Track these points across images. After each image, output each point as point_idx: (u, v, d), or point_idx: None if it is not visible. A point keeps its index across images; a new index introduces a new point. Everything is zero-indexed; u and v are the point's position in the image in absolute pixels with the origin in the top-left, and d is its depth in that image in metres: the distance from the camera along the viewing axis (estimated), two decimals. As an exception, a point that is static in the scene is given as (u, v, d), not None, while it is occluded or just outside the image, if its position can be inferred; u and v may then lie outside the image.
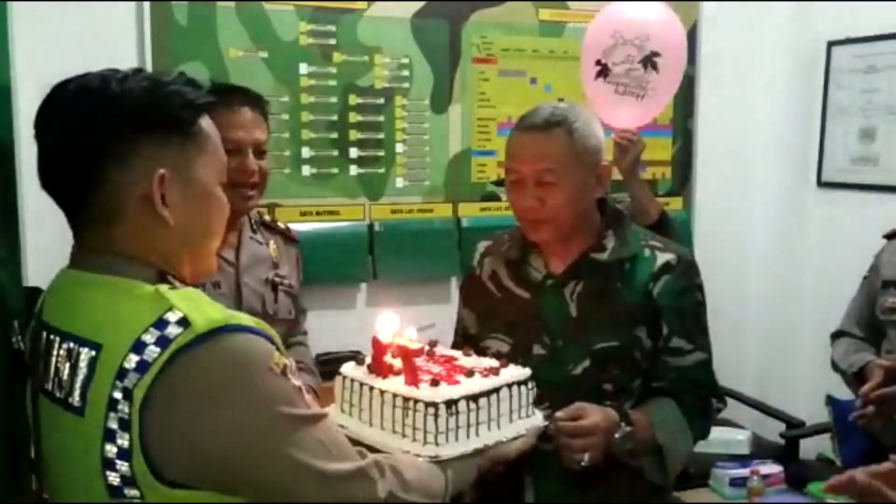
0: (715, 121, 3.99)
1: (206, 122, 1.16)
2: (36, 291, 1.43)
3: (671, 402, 1.78)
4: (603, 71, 2.50)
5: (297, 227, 3.24)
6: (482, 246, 1.96)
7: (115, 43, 3.02)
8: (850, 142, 3.87)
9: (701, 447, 3.38)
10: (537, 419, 1.51)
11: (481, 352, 1.76)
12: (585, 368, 1.72)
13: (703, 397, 1.83)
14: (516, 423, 1.45)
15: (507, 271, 1.85)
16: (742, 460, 3.13)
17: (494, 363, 1.50)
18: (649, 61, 2.45)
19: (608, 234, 1.78)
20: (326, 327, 2.98)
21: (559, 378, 1.70)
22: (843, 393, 2.86)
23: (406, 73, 3.45)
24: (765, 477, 2.85)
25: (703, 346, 1.81)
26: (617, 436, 1.64)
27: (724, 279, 4.04)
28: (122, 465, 1.02)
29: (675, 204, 3.97)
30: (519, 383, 1.46)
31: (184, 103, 1.12)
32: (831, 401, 3.14)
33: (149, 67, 3.08)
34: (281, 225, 2.27)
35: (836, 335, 2.50)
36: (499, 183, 3.02)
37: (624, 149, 2.53)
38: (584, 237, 1.78)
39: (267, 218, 2.24)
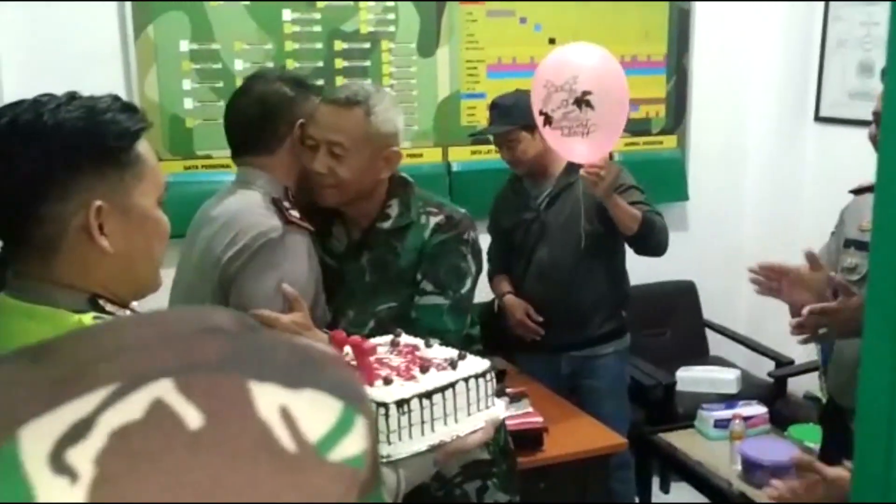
0: (710, 56, 3.91)
1: (142, 147, 1.15)
2: None
3: None
4: (547, 119, 2.62)
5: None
6: None
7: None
8: (848, 76, 3.79)
9: (690, 386, 3.48)
10: (497, 409, 1.45)
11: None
12: (371, 329, 1.86)
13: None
14: (474, 416, 1.40)
15: (318, 241, 1.95)
16: (729, 400, 3.16)
17: (454, 354, 1.46)
18: (582, 101, 2.56)
19: (392, 203, 1.93)
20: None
21: None
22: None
23: (392, 16, 3.40)
24: (748, 419, 2.88)
25: (446, 294, 1.90)
26: None
27: (719, 217, 4.03)
28: None
29: (668, 143, 3.94)
30: (477, 376, 1.40)
31: (119, 133, 1.10)
32: (820, 339, 3.17)
33: (128, 16, 3.06)
34: None
35: None
36: (475, 134, 3.21)
37: (592, 183, 2.65)
38: (374, 207, 1.93)
39: None
